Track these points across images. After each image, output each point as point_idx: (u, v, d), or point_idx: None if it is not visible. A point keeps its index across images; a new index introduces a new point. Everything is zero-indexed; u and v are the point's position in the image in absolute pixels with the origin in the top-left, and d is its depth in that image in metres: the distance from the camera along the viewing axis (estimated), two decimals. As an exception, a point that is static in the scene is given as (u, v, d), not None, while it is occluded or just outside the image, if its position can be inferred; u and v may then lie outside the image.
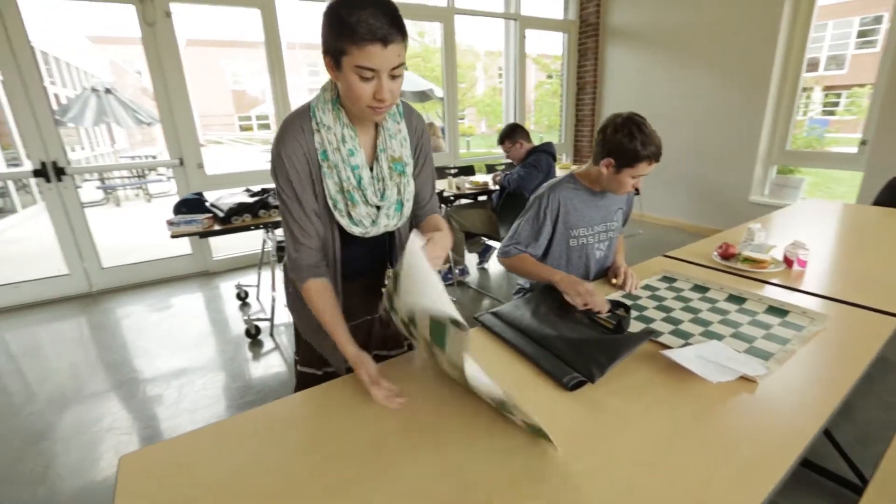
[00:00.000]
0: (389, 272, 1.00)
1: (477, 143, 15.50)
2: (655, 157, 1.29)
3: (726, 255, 1.58)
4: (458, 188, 3.15)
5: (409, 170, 1.00)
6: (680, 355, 0.94)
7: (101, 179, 8.05)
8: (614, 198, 1.48)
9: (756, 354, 1.00)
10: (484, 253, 3.56)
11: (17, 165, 6.67)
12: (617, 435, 0.76)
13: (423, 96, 7.20)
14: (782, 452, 0.72)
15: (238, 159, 13.99)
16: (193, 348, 2.53)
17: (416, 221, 1.13)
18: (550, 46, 11.68)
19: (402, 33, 0.77)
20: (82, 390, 2.18)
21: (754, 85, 3.89)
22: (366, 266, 1.16)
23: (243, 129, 22.93)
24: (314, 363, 1.19)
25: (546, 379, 0.92)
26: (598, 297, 1.14)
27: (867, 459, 1.54)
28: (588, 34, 5.14)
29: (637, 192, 1.42)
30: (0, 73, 2.87)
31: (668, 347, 1.01)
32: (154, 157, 9.95)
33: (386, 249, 1.16)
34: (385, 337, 1.23)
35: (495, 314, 1.18)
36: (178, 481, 0.69)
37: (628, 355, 0.96)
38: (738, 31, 3.92)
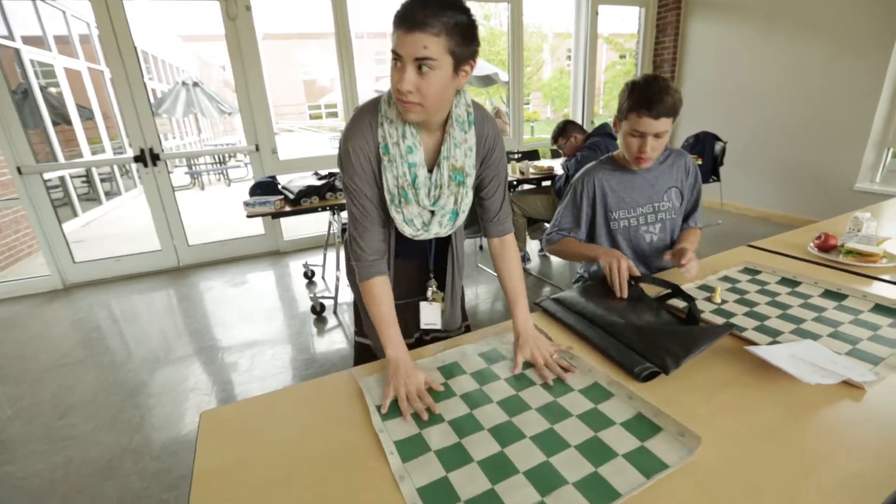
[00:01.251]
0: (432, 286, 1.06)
1: (541, 128, 15.07)
2: (646, 106, 1.15)
3: (825, 247, 1.40)
4: (521, 173, 3.07)
5: (470, 181, 0.95)
6: (769, 352, 0.84)
7: (189, 165, 8.81)
8: (662, 177, 1.36)
9: (861, 358, 0.87)
10: None
11: (121, 153, 7.48)
12: (698, 415, 0.70)
13: (488, 81, 7.09)
14: (891, 472, 0.62)
15: (307, 146, 14.70)
16: (264, 321, 2.71)
17: (485, 232, 1.08)
18: (624, 24, 11.00)
19: (437, 25, 0.73)
20: (170, 354, 2.41)
21: (871, 55, 3.40)
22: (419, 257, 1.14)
23: (313, 117, 24.04)
24: (371, 335, 1.22)
25: (614, 368, 0.87)
26: (625, 282, 1.11)
27: None
28: (668, 7, 4.76)
29: (716, 176, 1.31)
30: (109, 70, 3.20)
31: (753, 344, 0.91)
32: (233, 144, 10.72)
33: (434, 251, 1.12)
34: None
35: (557, 300, 1.13)
36: (249, 439, 0.74)
37: (706, 348, 0.88)
38: (850, -5, 3.43)
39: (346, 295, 2.87)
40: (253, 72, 3.47)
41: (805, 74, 3.82)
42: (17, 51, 5.01)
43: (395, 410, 0.76)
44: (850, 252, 1.34)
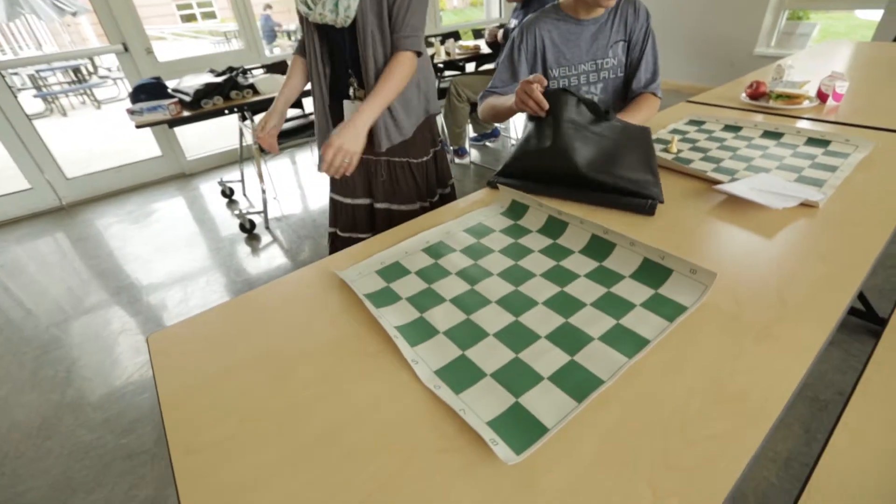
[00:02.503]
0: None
1: (448, 18, 14.00)
2: None
3: (756, 95, 1.46)
4: (448, 54, 2.83)
5: None
6: (735, 188, 0.88)
7: (37, 87, 7.16)
8: (607, 30, 1.23)
9: (808, 183, 0.94)
10: (494, 133, 3.36)
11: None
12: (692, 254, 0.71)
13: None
14: (855, 265, 0.69)
15: (188, 52, 12.47)
16: (187, 249, 2.43)
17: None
18: None
19: None
20: (82, 301, 2.12)
21: None
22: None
23: (185, 19, 20.17)
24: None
25: (601, 213, 0.86)
26: (536, 92, 0.94)
27: (868, 290, 1.61)
28: None
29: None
30: None
31: (718, 182, 0.94)
32: (83, 53, 8.76)
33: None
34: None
35: (504, 172, 1.01)
36: (212, 355, 0.64)
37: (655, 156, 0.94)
38: None
39: (277, 209, 2.63)
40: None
41: None
42: None
43: (386, 297, 0.69)
44: (779, 96, 1.41)
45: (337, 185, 1.39)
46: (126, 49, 2.94)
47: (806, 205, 0.85)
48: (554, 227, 0.81)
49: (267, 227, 2.52)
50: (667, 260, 0.67)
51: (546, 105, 0.94)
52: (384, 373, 0.57)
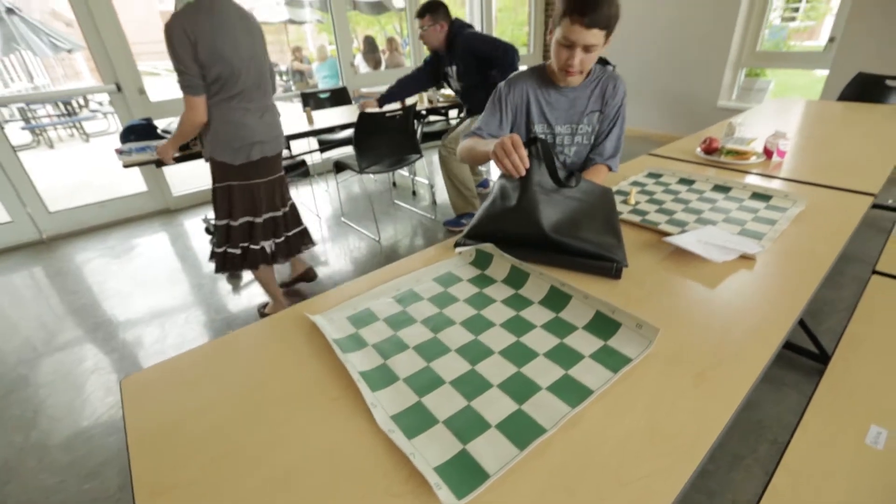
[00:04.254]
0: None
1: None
2: (580, 11, 1.05)
3: (710, 150, 1.59)
4: (430, 102, 2.98)
5: None
6: (682, 240, 0.96)
7: (26, 119, 7.19)
8: (587, 98, 1.31)
9: (750, 235, 1.02)
10: (484, 184, 3.27)
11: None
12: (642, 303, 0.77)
13: (380, 8, 6.58)
14: (786, 313, 0.76)
15: (170, 90, 12.68)
16: (168, 286, 2.43)
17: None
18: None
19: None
20: (55, 337, 2.09)
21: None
22: None
23: (179, 56, 20.65)
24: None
25: (561, 272, 0.92)
26: (522, 150, 0.96)
27: (822, 333, 1.70)
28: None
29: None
30: None
31: (667, 234, 1.02)
32: (76, 91, 8.88)
33: None
34: None
35: (473, 234, 1.03)
36: (183, 398, 0.67)
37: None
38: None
39: (259, 247, 2.66)
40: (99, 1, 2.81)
41: (668, 7, 4.12)
42: None
43: (354, 343, 0.74)
44: (729, 152, 1.54)
45: None
46: (119, 89, 3.02)
47: (745, 257, 0.93)
48: (517, 277, 0.87)
49: (249, 265, 2.54)
50: (616, 314, 0.73)
51: (524, 170, 0.94)
52: (344, 417, 0.61)
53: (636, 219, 1.13)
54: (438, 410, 0.60)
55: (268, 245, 1.91)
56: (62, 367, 1.89)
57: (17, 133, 6.98)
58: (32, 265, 2.82)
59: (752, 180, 1.38)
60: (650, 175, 1.45)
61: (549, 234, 0.93)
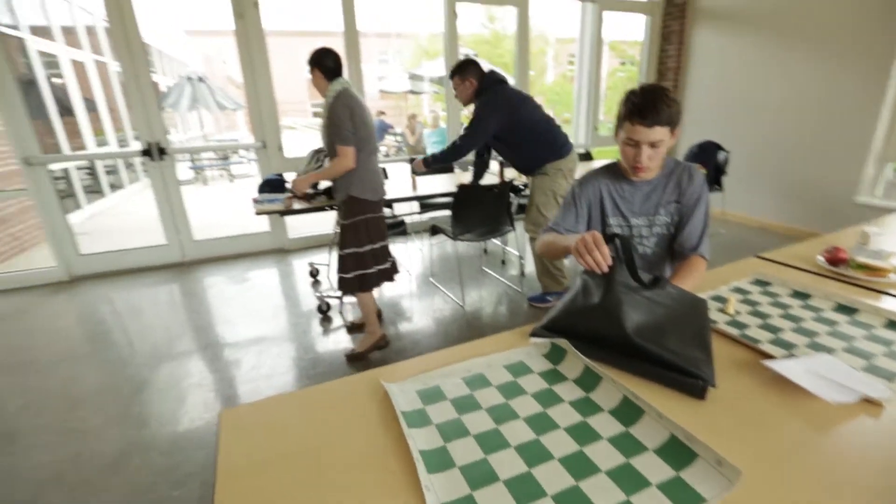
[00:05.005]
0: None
1: (543, 132, 15.07)
2: (640, 115, 1.14)
3: (835, 261, 1.42)
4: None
5: None
6: (787, 368, 0.86)
7: (192, 160, 8.79)
8: (661, 189, 1.33)
9: (877, 373, 0.88)
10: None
11: (125, 146, 7.46)
12: (726, 433, 0.71)
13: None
14: (912, 486, 0.64)
15: (310, 143, 14.63)
16: (270, 319, 2.71)
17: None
18: (629, 31, 11.05)
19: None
20: (173, 349, 2.42)
21: (873, 70, 3.44)
22: None
23: (315, 115, 24.07)
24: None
25: (637, 382, 0.88)
26: (604, 248, 0.97)
27: None
28: (673, 16, 4.79)
29: (718, 185, 1.29)
30: (118, 63, 3.21)
31: (769, 357, 0.93)
32: (236, 141, 10.68)
33: None
34: None
35: (549, 327, 1.01)
36: (271, 439, 0.75)
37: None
38: (855, 9, 3.47)
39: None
40: (261, 69, 3.47)
41: (807, 87, 3.85)
42: (21, 40, 4.99)
43: (420, 419, 0.77)
44: (860, 266, 1.36)
45: None
46: (264, 146, 3.61)
47: (869, 401, 0.81)
48: (589, 379, 0.85)
49: (340, 312, 2.74)
50: (693, 443, 0.66)
51: (606, 267, 0.95)
52: (399, 492, 0.63)
53: (734, 332, 1.04)
54: (489, 509, 0.59)
55: (380, 269, 2.24)
56: (173, 376, 2.17)
57: (184, 171, 8.54)
58: (172, 282, 3.34)
59: (889, 304, 1.19)
60: (757, 282, 1.33)
61: (632, 336, 0.89)
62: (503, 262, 3.51)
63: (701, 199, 1.33)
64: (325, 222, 3.79)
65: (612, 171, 1.36)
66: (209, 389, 2.08)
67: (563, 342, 0.94)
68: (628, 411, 0.76)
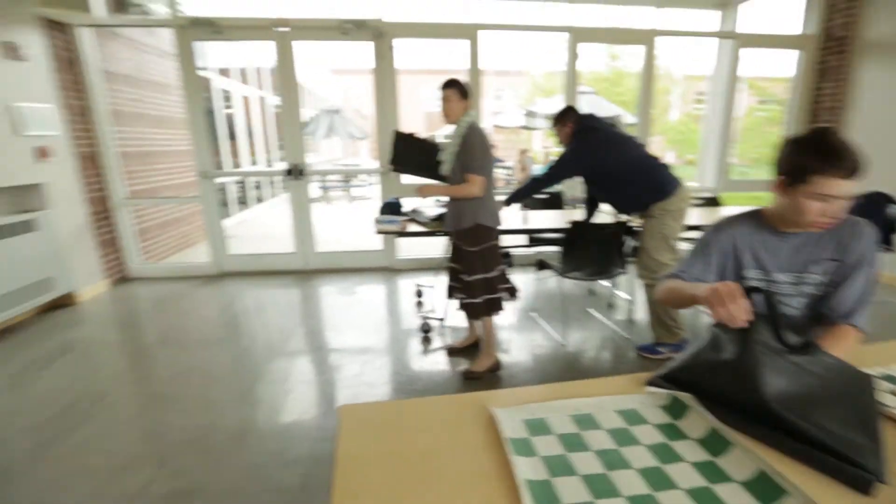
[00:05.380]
0: None
1: (660, 172, 14.21)
2: (838, 165, 0.99)
3: None
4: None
5: None
6: None
7: (322, 181, 9.88)
8: (812, 245, 1.15)
9: None
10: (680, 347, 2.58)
11: (268, 167, 8.68)
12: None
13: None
14: None
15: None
16: (374, 332, 2.88)
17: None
18: (772, 67, 10.05)
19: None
20: (286, 346, 2.69)
21: None
22: None
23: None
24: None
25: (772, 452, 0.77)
26: (743, 301, 0.85)
27: None
28: (832, 50, 4.26)
29: (888, 245, 1.09)
30: (280, 100, 3.81)
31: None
32: (357, 166, 11.80)
33: None
34: None
35: (671, 377, 0.93)
36: (382, 437, 0.80)
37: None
38: None
39: (452, 319, 2.94)
40: (390, 102, 3.83)
41: None
42: (208, 80, 6.16)
43: (525, 448, 0.76)
44: None
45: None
46: (387, 172, 3.93)
47: None
48: (716, 443, 0.77)
49: (441, 334, 2.82)
50: None
51: (744, 321, 0.84)
52: (504, 522, 0.63)
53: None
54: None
55: (504, 291, 2.36)
56: (285, 371, 2.40)
57: (313, 190, 9.64)
58: (293, 287, 3.74)
59: None
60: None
61: (772, 405, 0.78)
62: (610, 306, 3.32)
63: (866, 259, 1.15)
64: (431, 246, 3.97)
65: (755, 219, 1.23)
66: (313, 387, 2.26)
67: (685, 397, 0.87)
68: (766, 489, 0.67)
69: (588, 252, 2.58)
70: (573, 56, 3.98)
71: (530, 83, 15.74)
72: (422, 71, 23.09)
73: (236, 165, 7.26)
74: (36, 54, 3.16)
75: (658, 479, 0.70)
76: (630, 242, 2.71)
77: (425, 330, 2.80)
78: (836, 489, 0.69)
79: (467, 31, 3.76)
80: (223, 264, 4.09)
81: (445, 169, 2.20)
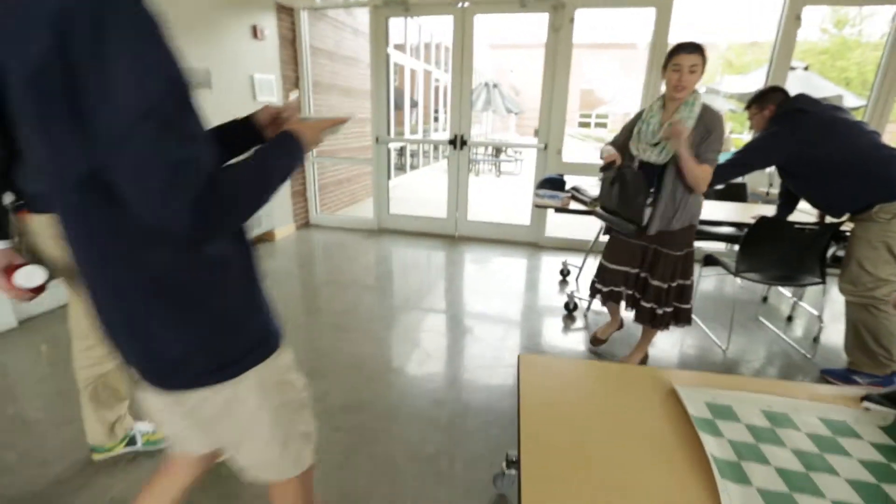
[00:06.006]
0: None
1: None
2: None
3: None
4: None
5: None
6: None
7: (474, 153, 10.24)
8: None
9: None
10: None
11: (426, 136, 9.27)
12: None
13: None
14: None
15: (572, 152, 14.91)
16: (513, 303, 2.98)
17: None
18: None
19: None
20: (422, 302, 2.95)
21: None
22: None
23: (581, 125, 24.35)
24: None
25: None
26: None
27: None
28: None
29: None
30: (452, 79, 4.04)
31: None
32: (505, 140, 11.86)
33: None
34: None
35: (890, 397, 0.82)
36: (557, 387, 0.88)
37: None
38: None
39: (596, 305, 2.87)
40: (561, 79, 3.75)
41: None
42: (388, 55, 6.75)
43: (709, 427, 0.76)
44: None
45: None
46: (546, 148, 3.91)
47: None
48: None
49: (585, 315, 2.79)
50: None
51: None
52: (690, 486, 0.65)
53: None
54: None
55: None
56: (433, 324, 2.64)
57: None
58: (441, 250, 4.03)
59: None
60: None
61: None
62: (790, 319, 2.86)
63: None
64: (583, 228, 3.87)
65: None
66: (459, 343, 2.45)
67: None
68: None
69: (774, 253, 2.24)
70: (792, 23, 3.34)
71: (714, 56, 13.70)
72: (586, 45, 21.81)
73: (399, 134, 7.93)
74: (270, 34, 3.87)
75: (873, 495, 0.64)
76: (834, 250, 2.27)
77: (570, 308, 2.79)
78: None
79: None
80: (383, 221, 4.59)
81: (660, 157, 1.88)
